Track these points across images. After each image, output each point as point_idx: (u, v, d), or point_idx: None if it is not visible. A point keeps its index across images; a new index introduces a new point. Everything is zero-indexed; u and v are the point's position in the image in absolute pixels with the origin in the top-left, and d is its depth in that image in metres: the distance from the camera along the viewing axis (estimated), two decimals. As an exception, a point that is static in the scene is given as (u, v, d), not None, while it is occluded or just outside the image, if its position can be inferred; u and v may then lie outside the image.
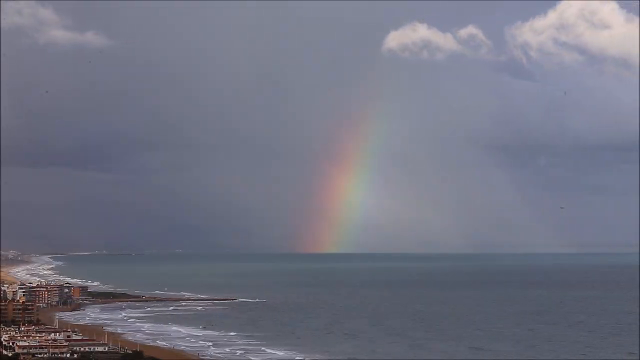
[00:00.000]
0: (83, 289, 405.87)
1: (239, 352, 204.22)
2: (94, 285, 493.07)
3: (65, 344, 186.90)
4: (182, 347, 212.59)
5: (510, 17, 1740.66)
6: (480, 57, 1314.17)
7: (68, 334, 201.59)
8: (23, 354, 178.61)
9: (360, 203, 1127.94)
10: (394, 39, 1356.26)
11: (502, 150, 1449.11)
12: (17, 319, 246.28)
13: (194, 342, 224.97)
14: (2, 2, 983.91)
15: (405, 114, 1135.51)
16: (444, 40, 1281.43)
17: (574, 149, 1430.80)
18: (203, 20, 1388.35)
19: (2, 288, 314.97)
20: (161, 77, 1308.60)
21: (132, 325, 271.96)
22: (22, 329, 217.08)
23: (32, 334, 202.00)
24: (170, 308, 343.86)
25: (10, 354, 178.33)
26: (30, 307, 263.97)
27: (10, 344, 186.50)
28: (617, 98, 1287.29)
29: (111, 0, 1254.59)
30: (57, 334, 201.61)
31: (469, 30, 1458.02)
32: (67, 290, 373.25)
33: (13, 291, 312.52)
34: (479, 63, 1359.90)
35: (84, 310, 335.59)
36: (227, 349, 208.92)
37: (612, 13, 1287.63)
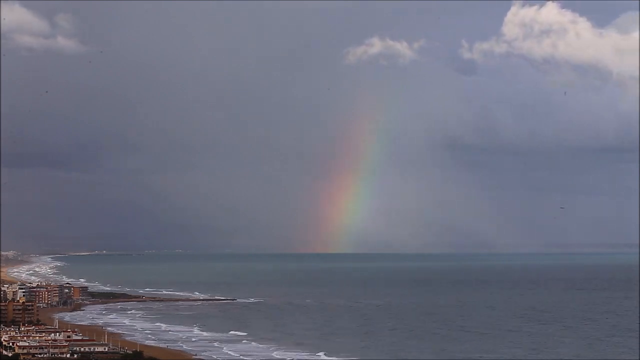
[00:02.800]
0: (83, 289, 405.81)
1: (238, 352, 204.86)
2: (94, 285, 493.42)
3: (65, 344, 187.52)
4: (181, 347, 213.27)
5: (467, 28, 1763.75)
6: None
7: (68, 334, 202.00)
8: (23, 354, 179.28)
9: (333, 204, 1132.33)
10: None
11: (471, 151, 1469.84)
12: (17, 319, 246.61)
13: (193, 342, 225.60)
14: (1, 2, 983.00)
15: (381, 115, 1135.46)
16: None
17: (542, 151, 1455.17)
18: (188, 23, 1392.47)
19: (2, 288, 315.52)
20: (151, 80, 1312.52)
21: (132, 325, 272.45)
22: (22, 329, 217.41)
23: (32, 334, 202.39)
24: (170, 308, 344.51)
25: (10, 354, 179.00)
26: (30, 307, 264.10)
27: (10, 344, 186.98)
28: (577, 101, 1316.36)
29: (95, 0, 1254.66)
30: (57, 334, 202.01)
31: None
32: (67, 290, 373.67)
33: (13, 291, 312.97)
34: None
35: (84, 310, 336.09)
36: (227, 349, 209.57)
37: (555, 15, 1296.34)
